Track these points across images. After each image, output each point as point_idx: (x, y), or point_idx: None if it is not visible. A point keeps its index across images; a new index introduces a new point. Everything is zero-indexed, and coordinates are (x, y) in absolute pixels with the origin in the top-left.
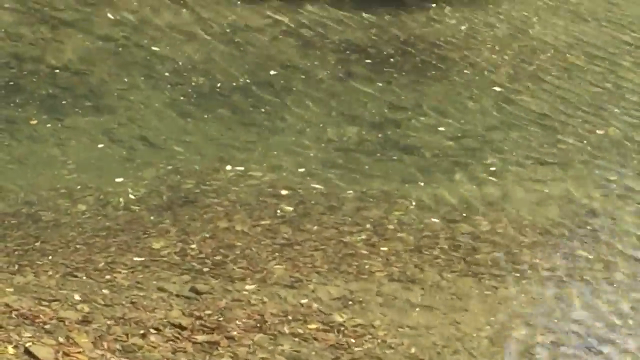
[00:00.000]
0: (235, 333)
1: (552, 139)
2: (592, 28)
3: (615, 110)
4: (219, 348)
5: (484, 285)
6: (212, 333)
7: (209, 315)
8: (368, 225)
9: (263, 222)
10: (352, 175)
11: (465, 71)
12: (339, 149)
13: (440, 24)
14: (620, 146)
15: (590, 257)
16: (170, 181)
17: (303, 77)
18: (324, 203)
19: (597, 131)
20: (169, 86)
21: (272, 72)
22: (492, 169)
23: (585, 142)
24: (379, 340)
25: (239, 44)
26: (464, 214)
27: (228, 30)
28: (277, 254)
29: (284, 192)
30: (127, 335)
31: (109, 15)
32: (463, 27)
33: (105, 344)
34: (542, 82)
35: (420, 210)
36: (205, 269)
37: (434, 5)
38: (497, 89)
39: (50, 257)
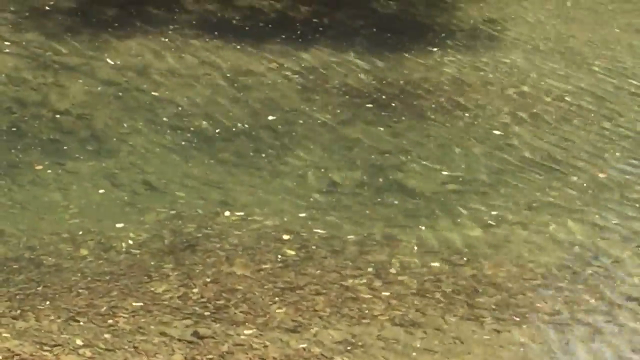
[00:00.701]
0: None
1: (554, 182)
2: (589, 74)
3: (616, 154)
4: None
5: (486, 329)
6: None
7: (211, 359)
8: (370, 269)
9: (265, 266)
10: (353, 219)
11: (466, 115)
12: (340, 192)
13: (441, 69)
14: (621, 189)
15: (593, 301)
16: (172, 225)
17: (304, 121)
18: (326, 247)
19: (599, 174)
20: (170, 130)
21: (273, 117)
22: (494, 212)
23: (586, 185)
24: None
25: (241, 88)
26: (466, 258)
27: (229, 75)
28: (278, 298)
29: (285, 236)
30: None
31: (111, 60)
32: (464, 73)
33: None
34: (542, 127)
35: (422, 254)
36: (207, 313)
37: (435, 49)
38: (497, 132)
39: (52, 302)
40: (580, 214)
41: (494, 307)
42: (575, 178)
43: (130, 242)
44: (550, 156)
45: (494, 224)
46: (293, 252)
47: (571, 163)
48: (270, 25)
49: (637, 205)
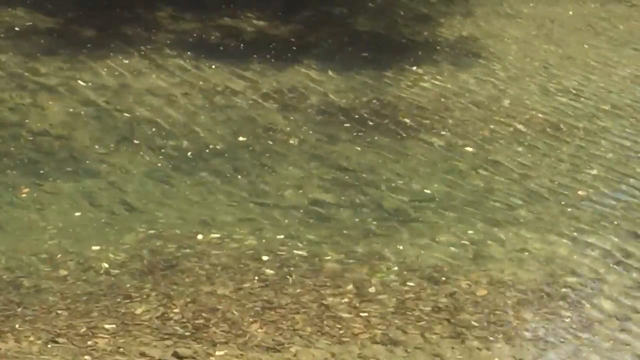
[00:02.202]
0: None
1: (533, 199)
2: (568, 93)
3: (595, 172)
4: None
5: (467, 347)
6: None
7: None
8: (350, 287)
9: (244, 286)
10: (332, 238)
11: (444, 133)
12: (319, 211)
13: (419, 86)
14: (601, 207)
15: (573, 317)
16: (151, 245)
17: (283, 140)
18: (305, 266)
19: (579, 192)
20: (149, 150)
21: (252, 136)
22: (473, 229)
23: (565, 203)
24: None
25: (220, 107)
26: (446, 275)
27: (208, 94)
28: (258, 317)
29: (265, 255)
30: None
31: (89, 80)
32: (442, 90)
33: None
34: (521, 145)
35: (402, 272)
36: (187, 333)
37: (414, 67)
38: (476, 151)
39: (31, 323)
40: (559, 230)
41: (474, 324)
42: (554, 196)
43: (110, 262)
44: (530, 173)
45: (473, 241)
46: (272, 272)
47: (550, 181)
48: (249, 45)
49: (616, 222)
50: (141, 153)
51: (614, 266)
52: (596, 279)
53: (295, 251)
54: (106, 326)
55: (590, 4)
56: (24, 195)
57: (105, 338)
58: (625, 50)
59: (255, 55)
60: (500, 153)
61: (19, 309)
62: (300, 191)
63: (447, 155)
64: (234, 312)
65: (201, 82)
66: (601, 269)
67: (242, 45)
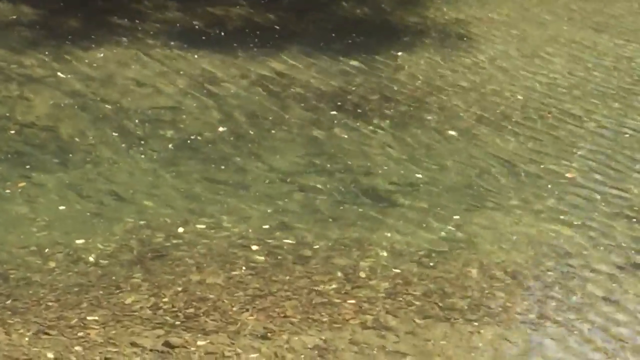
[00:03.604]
0: None
1: (521, 182)
2: (555, 74)
3: (583, 154)
4: None
5: (458, 330)
6: None
7: None
8: (339, 274)
9: (234, 274)
10: (322, 224)
11: (432, 117)
12: (309, 197)
13: (408, 71)
14: (589, 189)
15: (563, 299)
16: (140, 235)
17: (272, 126)
18: (295, 252)
19: (566, 175)
20: (137, 140)
21: (241, 123)
22: (462, 213)
23: (553, 185)
24: None
25: (206, 96)
26: (436, 259)
27: (195, 83)
28: (249, 305)
29: (254, 242)
30: None
31: (75, 71)
32: (431, 74)
33: None
34: (509, 127)
35: (392, 257)
36: (178, 323)
37: (400, 53)
38: (463, 135)
39: (21, 316)
40: (548, 213)
41: (465, 308)
42: (542, 178)
43: (99, 253)
44: (518, 156)
45: (461, 225)
46: (262, 259)
47: (538, 163)
48: (234, 33)
49: (604, 204)
50: (129, 143)
51: (603, 248)
52: (585, 261)
53: (284, 239)
54: (96, 317)
55: None
56: (19, 189)
57: (96, 329)
58: (610, 34)
59: (240, 44)
60: (487, 137)
61: (9, 302)
62: (289, 178)
63: (434, 140)
64: (225, 300)
65: (187, 71)
66: (590, 251)
67: (227, 33)
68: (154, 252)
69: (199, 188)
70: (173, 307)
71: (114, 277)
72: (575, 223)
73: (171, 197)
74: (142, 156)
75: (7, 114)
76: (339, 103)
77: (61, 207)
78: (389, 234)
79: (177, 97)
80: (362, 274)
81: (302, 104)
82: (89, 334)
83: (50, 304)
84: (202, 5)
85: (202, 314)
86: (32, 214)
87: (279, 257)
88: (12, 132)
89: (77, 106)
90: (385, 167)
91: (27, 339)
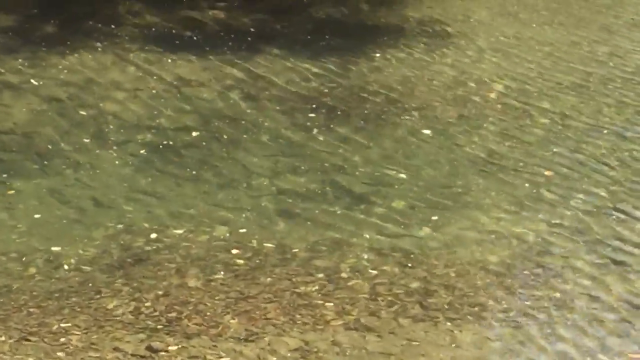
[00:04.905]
0: None
1: (500, 180)
2: (533, 72)
3: (559, 150)
4: None
5: (440, 329)
6: None
7: None
8: (321, 275)
9: (216, 277)
10: (302, 226)
11: (409, 117)
12: (288, 199)
13: (386, 71)
14: (567, 186)
15: (545, 296)
16: (120, 240)
17: (250, 129)
18: (276, 254)
19: (545, 172)
20: (115, 145)
21: (219, 126)
22: (442, 212)
23: (532, 183)
24: None
25: (186, 99)
26: (417, 259)
27: (174, 86)
28: (231, 308)
29: (235, 245)
30: None
31: (53, 76)
32: (409, 74)
33: None
34: (487, 125)
35: (373, 257)
36: (160, 327)
37: (377, 54)
38: (443, 134)
39: (2, 322)
40: (528, 211)
41: (446, 307)
42: (521, 176)
43: (80, 259)
44: (497, 154)
45: (442, 224)
46: (243, 262)
47: (517, 161)
48: (211, 36)
49: (582, 202)
50: (107, 148)
51: (583, 244)
52: (566, 257)
53: (264, 242)
54: (78, 323)
55: None
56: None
57: (78, 334)
58: (587, 30)
59: (217, 47)
60: (464, 136)
61: None
62: (268, 181)
63: (412, 140)
64: (206, 303)
65: (165, 75)
66: (571, 247)
67: (203, 37)
68: (135, 257)
69: (177, 192)
70: (154, 311)
71: (95, 283)
72: (554, 221)
73: (150, 202)
74: (121, 161)
75: None
76: (316, 105)
77: (41, 213)
78: (368, 235)
79: (153, 101)
80: (343, 275)
81: (279, 107)
82: (70, 339)
83: (31, 310)
84: (179, 9)
85: (183, 318)
86: (11, 220)
87: (260, 260)
88: None
89: (55, 112)
90: (363, 169)
91: (8, 345)
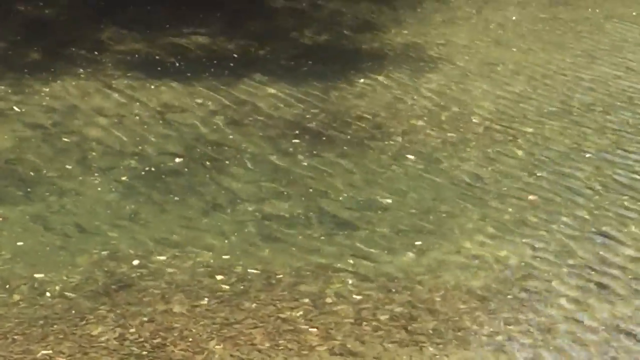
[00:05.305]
0: None
1: (485, 205)
2: (516, 96)
3: (542, 175)
4: None
5: (425, 354)
6: None
7: None
8: (306, 300)
9: (201, 303)
10: (287, 251)
11: (393, 142)
12: (273, 224)
13: (368, 97)
14: (551, 210)
15: (529, 320)
16: (105, 266)
17: (234, 154)
18: (261, 280)
19: (529, 197)
20: (100, 171)
21: (203, 151)
22: (426, 237)
23: (516, 207)
24: None
25: (170, 125)
26: (402, 284)
27: (157, 112)
28: (216, 333)
29: (219, 272)
30: None
31: (36, 103)
32: (392, 99)
33: None
34: (471, 150)
35: (357, 282)
36: (145, 353)
37: (361, 80)
38: (426, 159)
39: None
40: (512, 235)
41: (431, 331)
42: (505, 200)
43: (64, 285)
44: (480, 179)
45: (426, 249)
46: (228, 287)
47: (501, 185)
48: (195, 62)
49: (566, 226)
50: (91, 175)
51: (567, 268)
52: (550, 281)
53: (248, 267)
54: (63, 349)
55: (535, 8)
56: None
57: None
58: (570, 54)
59: (200, 73)
60: (448, 160)
61: None
62: (252, 206)
63: (395, 165)
64: (191, 329)
65: (150, 101)
66: (555, 271)
67: (187, 63)
68: (119, 283)
69: (161, 218)
70: (139, 337)
71: (79, 309)
72: (537, 245)
73: (134, 228)
74: (104, 187)
75: None
76: (299, 130)
77: (25, 240)
78: (352, 260)
79: (137, 127)
80: (328, 300)
81: (263, 132)
82: None
83: (16, 337)
84: (162, 36)
85: (168, 344)
86: None
87: (245, 285)
88: None
89: (39, 138)
90: (347, 194)
91: None
